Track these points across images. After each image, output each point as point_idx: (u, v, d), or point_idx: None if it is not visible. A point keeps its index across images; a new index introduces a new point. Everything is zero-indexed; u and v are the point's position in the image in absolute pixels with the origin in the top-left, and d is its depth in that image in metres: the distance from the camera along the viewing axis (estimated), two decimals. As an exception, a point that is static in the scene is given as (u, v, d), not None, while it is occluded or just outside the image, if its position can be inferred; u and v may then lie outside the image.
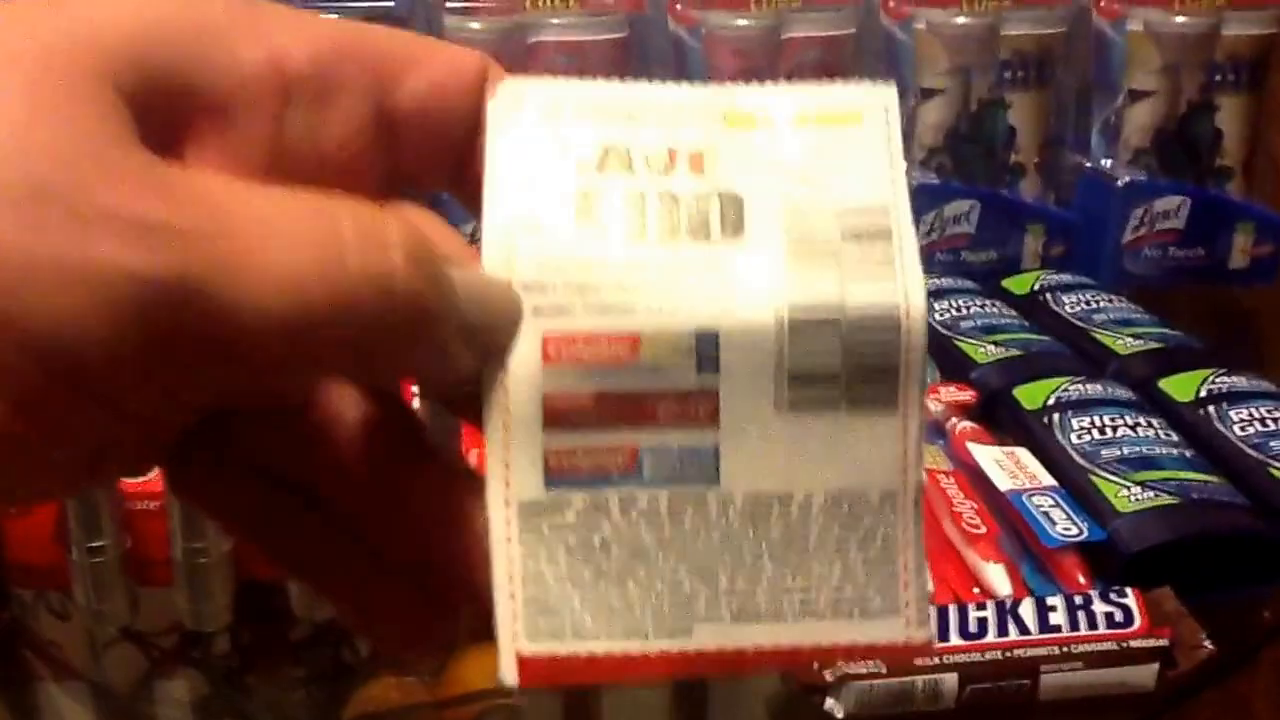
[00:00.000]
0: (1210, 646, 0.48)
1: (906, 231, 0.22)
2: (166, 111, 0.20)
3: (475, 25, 0.78)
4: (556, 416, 0.22)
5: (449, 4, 0.79)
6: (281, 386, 0.21)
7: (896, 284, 0.22)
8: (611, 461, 0.22)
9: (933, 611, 0.49)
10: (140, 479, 0.64)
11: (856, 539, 0.22)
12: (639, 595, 0.22)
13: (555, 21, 0.78)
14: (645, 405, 0.22)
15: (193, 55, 0.20)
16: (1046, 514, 0.55)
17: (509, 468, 0.22)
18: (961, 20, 0.84)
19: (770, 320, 0.21)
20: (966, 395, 0.66)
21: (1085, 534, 0.54)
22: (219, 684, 0.66)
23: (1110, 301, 0.75)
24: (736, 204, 0.22)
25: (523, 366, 0.22)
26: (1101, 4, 0.86)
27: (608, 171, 0.23)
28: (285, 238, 0.18)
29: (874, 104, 0.23)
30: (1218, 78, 0.84)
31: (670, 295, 0.22)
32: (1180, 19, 0.84)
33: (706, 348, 0.21)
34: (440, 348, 0.20)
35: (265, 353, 0.18)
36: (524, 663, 0.22)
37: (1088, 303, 0.75)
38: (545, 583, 0.22)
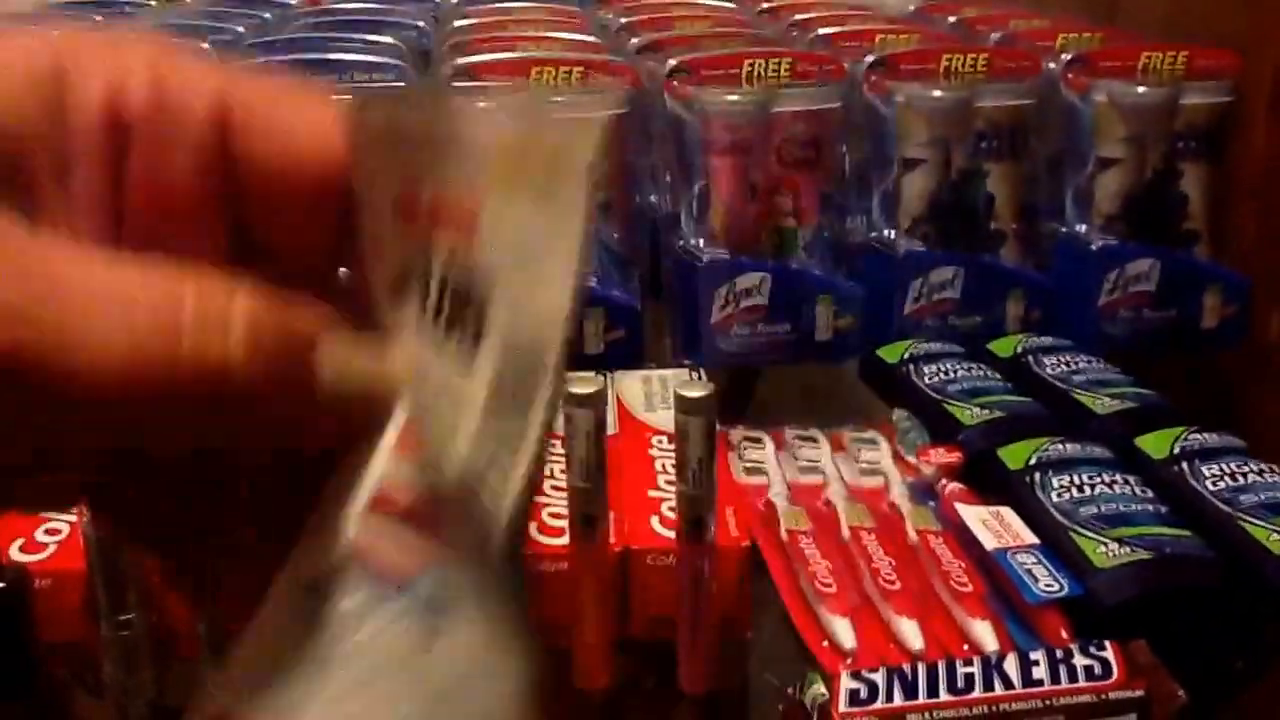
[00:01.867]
0: (1183, 696, 0.51)
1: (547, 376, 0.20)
2: (2, 165, 0.20)
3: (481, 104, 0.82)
4: (380, 504, 0.21)
5: (454, 81, 0.83)
6: (126, 446, 0.20)
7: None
8: (404, 565, 0.21)
9: (923, 669, 0.53)
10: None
11: None
12: (363, 710, 0.20)
13: (558, 99, 0.82)
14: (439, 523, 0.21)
15: (19, 108, 0.20)
16: (1029, 571, 0.58)
17: (317, 534, 0.21)
18: (938, 94, 0.88)
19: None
20: (954, 457, 0.69)
21: (1065, 590, 0.57)
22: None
23: (1089, 363, 0.79)
24: (478, 313, 0.21)
25: (380, 448, 0.21)
26: (1069, 76, 0.90)
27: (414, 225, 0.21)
28: (122, 313, 0.18)
29: (580, 155, 0.21)
30: (1180, 145, 0.87)
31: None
32: (1141, 90, 0.87)
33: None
34: (286, 426, 0.20)
35: (103, 425, 0.18)
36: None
37: (1067, 364, 0.78)
38: (280, 658, 0.20)
